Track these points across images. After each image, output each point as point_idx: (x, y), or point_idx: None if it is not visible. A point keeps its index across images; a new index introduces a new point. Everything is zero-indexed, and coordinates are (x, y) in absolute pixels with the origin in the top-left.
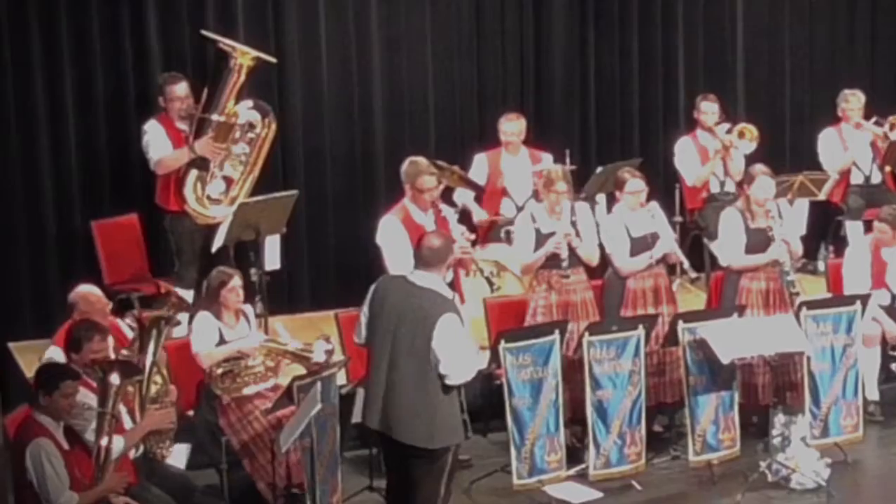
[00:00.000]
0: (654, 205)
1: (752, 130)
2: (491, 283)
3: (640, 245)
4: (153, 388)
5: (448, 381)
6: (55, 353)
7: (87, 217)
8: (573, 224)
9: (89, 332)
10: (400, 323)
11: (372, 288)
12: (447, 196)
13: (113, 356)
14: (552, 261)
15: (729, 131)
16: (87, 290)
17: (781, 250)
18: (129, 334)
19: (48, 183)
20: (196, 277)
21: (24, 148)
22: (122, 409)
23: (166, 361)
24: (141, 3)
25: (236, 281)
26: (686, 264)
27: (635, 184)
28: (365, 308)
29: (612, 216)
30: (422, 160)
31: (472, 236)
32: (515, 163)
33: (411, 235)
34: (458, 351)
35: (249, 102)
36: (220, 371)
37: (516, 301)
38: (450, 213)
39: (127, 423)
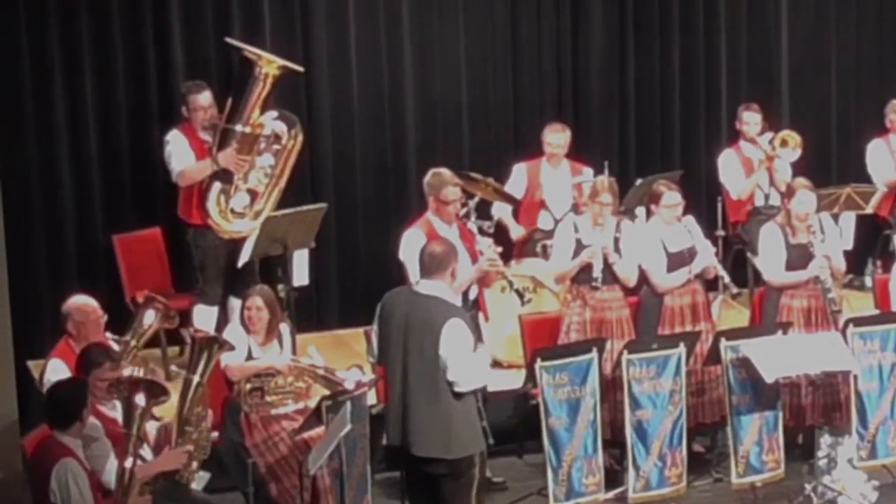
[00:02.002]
0: (690, 219)
1: (794, 137)
2: (521, 296)
3: (677, 261)
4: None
5: (456, 388)
6: (57, 366)
7: (109, 231)
8: (616, 241)
9: (99, 358)
10: (408, 334)
11: (380, 304)
12: (484, 209)
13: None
14: (585, 273)
15: (771, 141)
16: (82, 302)
17: (822, 267)
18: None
19: (68, 195)
20: (221, 293)
21: (44, 159)
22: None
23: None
24: (164, 10)
25: (254, 301)
26: (727, 279)
27: (672, 197)
28: (376, 326)
29: (647, 231)
30: (445, 171)
31: (500, 249)
32: (556, 175)
33: None
34: (465, 357)
35: (275, 113)
36: (248, 387)
37: (552, 318)
38: (474, 227)
39: (146, 453)
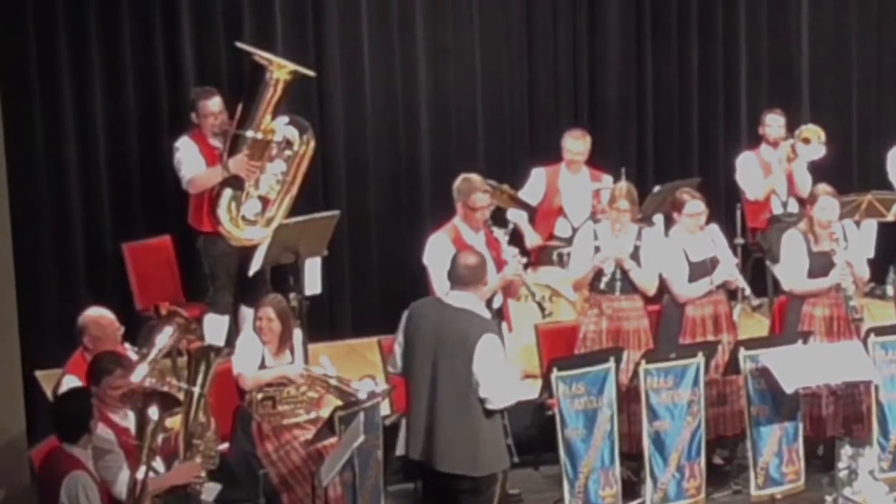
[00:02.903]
0: (714, 228)
1: (814, 131)
2: (542, 308)
3: (700, 270)
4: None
5: (489, 406)
6: (72, 383)
7: (118, 239)
8: (636, 248)
9: (110, 366)
10: (439, 347)
11: (405, 314)
12: (499, 216)
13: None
14: (598, 280)
15: (792, 145)
16: (98, 314)
17: (844, 274)
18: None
19: (77, 203)
20: (231, 302)
21: (52, 167)
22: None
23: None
24: (174, 14)
25: (266, 311)
26: (747, 291)
27: (695, 205)
28: (399, 336)
29: (669, 239)
30: (475, 177)
31: (525, 259)
32: (575, 181)
33: None
34: (500, 373)
35: (286, 118)
36: (260, 396)
37: (568, 327)
38: (501, 235)
39: (157, 465)
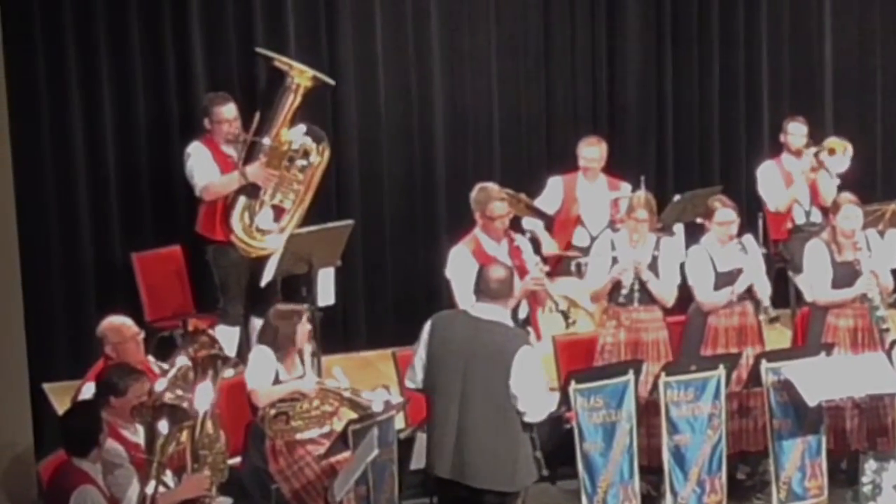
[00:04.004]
0: (749, 238)
1: (840, 144)
2: (566, 317)
3: (726, 280)
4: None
5: (527, 419)
6: (92, 391)
7: (127, 249)
8: (654, 258)
9: (134, 374)
10: (470, 361)
11: (427, 327)
12: (515, 225)
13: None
14: (618, 292)
15: (816, 154)
16: (119, 322)
17: (870, 284)
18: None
19: (85, 212)
20: (242, 314)
21: (60, 176)
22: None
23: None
24: (185, 19)
25: (303, 317)
26: (765, 303)
27: (725, 214)
28: (421, 350)
29: (698, 247)
30: (492, 186)
31: (547, 268)
32: (592, 190)
33: None
34: (538, 385)
35: (303, 127)
36: (273, 412)
37: (587, 339)
38: (524, 243)
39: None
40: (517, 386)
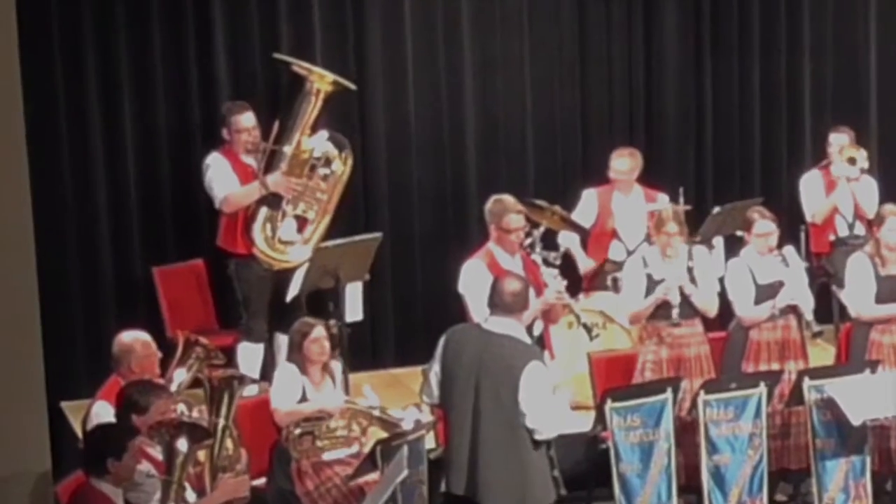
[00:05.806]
0: (790, 250)
1: (857, 152)
2: (589, 330)
3: (766, 293)
4: (223, 454)
5: (537, 436)
6: (103, 409)
7: (148, 263)
8: (689, 270)
9: (156, 390)
10: (482, 376)
11: (441, 341)
12: (550, 239)
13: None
14: (663, 310)
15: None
16: (143, 339)
17: None
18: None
19: (105, 225)
20: (266, 330)
21: (78, 187)
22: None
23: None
24: (208, 23)
25: (319, 331)
26: (808, 316)
27: (764, 225)
28: (436, 365)
29: (738, 259)
30: (507, 198)
31: (565, 281)
32: (628, 202)
33: None
34: (547, 401)
35: (325, 134)
36: (298, 432)
37: (624, 356)
38: (539, 258)
39: (189, 496)
40: (526, 401)
